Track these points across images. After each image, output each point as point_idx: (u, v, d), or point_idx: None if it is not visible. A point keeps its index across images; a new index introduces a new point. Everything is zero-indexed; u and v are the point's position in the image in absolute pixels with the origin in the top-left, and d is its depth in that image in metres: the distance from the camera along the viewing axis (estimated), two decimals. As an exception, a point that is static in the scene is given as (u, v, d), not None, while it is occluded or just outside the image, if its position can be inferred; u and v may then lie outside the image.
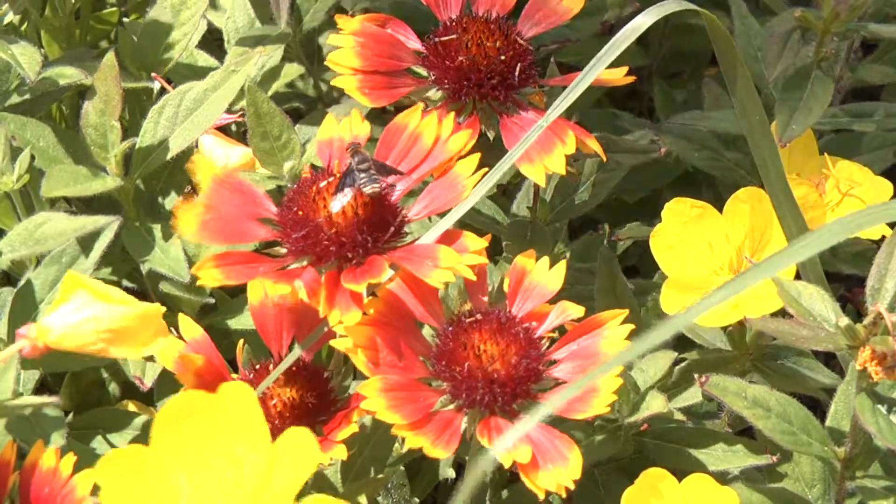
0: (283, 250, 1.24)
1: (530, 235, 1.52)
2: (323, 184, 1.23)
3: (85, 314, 1.12)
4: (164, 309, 1.14)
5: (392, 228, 1.23)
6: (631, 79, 1.35)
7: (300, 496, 1.04)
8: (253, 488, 1.05)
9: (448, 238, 1.22)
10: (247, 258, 1.21)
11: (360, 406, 1.17)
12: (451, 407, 1.20)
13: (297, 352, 1.24)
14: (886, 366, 1.21)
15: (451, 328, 1.22)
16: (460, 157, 1.27)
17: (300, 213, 1.22)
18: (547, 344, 1.24)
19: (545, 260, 1.27)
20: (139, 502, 1.05)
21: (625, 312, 1.24)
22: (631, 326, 1.23)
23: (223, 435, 1.05)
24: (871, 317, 1.22)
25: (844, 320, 1.22)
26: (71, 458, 1.19)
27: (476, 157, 1.26)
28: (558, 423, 1.20)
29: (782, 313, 1.29)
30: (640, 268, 1.79)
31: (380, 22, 1.37)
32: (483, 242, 1.22)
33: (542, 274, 1.27)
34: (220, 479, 1.05)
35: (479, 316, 1.22)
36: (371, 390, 1.17)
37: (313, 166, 1.38)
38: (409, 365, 1.21)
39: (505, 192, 1.67)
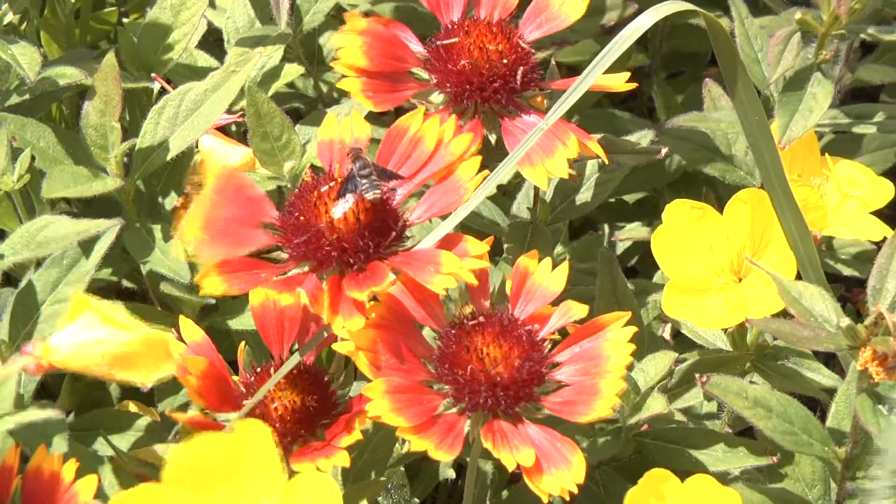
0: (285, 255, 1.24)
1: (531, 236, 1.51)
2: (324, 189, 1.22)
3: (90, 337, 1.12)
4: (171, 336, 1.14)
5: (393, 233, 1.22)
6: (632, 86, 1.35)
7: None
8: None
9: (449, 242, 1.22)
10: (249, 265, 1.21)
11: (365, 408, 1.17)
12: (454, 410, 1.20)
13: (298, 356, 1.24)
14: (887, 366, 1.21)
15: (453, 331, 1.22)
16: (461, 160, 1.27)
17: (301, 218, 1.22)
18: (549, 346, 1.24)
19: (548, 261, 1.27)
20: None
21: (627, 315, 1.24)
22: (634, 329, 1.23)
23: (238, 475, 1.04)
24: (872, 317, 1.22)
25: (846, 321, 1.22)
26: (73, 464, 1.19)
27: (478, 159, 1.26)
28: (560, 425, 1.20)
29: (783, 315, 1.29)
30: (640, 269, 1.79)
31: (382, 24, 1.37)
32: (485, 247, 1.22)
33: (545, 276, 1.26)
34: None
35: (481, 319, 1.22)
36: (375, 392, 1.17)
37: (314, 168, 1.38)
38: (411, 368, 1.21)
39: (505, 193, 1.67)
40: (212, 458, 1.05)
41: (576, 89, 1.28)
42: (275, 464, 1.04)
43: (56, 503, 1.19)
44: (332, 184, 1.23)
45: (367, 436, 1.34)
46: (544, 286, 1.26)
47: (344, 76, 1.33)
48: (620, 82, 1.35)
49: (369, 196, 1.20)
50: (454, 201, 1.24)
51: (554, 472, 1.16)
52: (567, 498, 1.16)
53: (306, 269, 1.22)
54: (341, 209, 1.19)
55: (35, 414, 1.24)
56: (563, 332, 1.26)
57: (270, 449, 1.04)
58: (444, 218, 1.24)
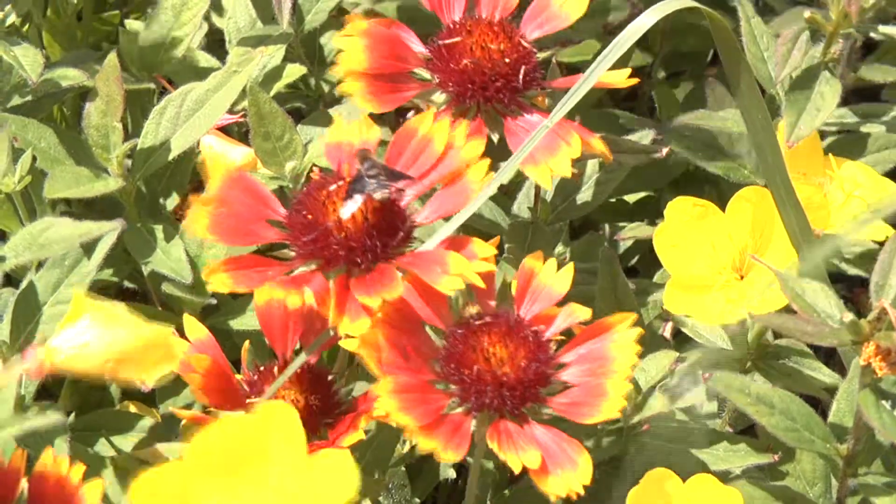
0: (291, 253, 1.23)
1: (531, 236, 1.51)
2: (332, 188, 1.22)
3: (91, 336, 1.12)
4: (172, 332, 1.14)
5: (401, 234, 1.22)
6: (634, 81, 1.35)
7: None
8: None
9: (456, 244, 1.21)
10: (256, 262, 1.21)
11: (374, 406, 1.17)
12: (461, 410, 1.20)
13: (305, 355, 1.24)
14: (890, 361, 1.21)
15: (459, 331, 1.22)
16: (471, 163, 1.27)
17: (309, 216, 1.21)
18: (555, 347, 1.24)
19: (552, 262, 1.27)
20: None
21: (633, 316, 1.23)
22: (640, 330, 1.23)
23: (261, 456, 1.04)
24: (875, 312, 1.22)
25: (849, 316, 1.22)
26: (81, 467, 1.19)
27: (486, 162, 1.25)
28: (564, 426, 1.20)
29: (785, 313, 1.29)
30: (641, 268, 1.79)
31: (384, 25, 1.37)
32: (492, 249, 1.21)
33: (550, 276, 1.26)
34: (259, 501, 1.04)
35: (488, 319, 1.22)
36: (382, 390, 1.17)
37: (320, 168, 1.38)
38: (417, 367, 1.20)
39: (506, 193, 1.67)
40: (235, 439, 1.04)
41: (579, 88, 1.28)
42: (299, 444, 1.03)
43: (62, 505, 1.19)
44: (340, 183, 1.23)
45: (369, 435, 1.34)
46: (549, 287, 1.26)
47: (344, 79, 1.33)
48: (622, 78, 1.34)
49: (377, 196, 1.20)
50: (462, 202, 1.24)
51: (560, 474, 1.15)
52: (574, 499, 1.16)
53: (313, 267, 1.21)
54: (350, 209, 1.19)
55: (36, 421, 1.24)
56: (568, 332, 1.26)
57: (295, 429, 1.03)
58: (448, 220, 1.24)
